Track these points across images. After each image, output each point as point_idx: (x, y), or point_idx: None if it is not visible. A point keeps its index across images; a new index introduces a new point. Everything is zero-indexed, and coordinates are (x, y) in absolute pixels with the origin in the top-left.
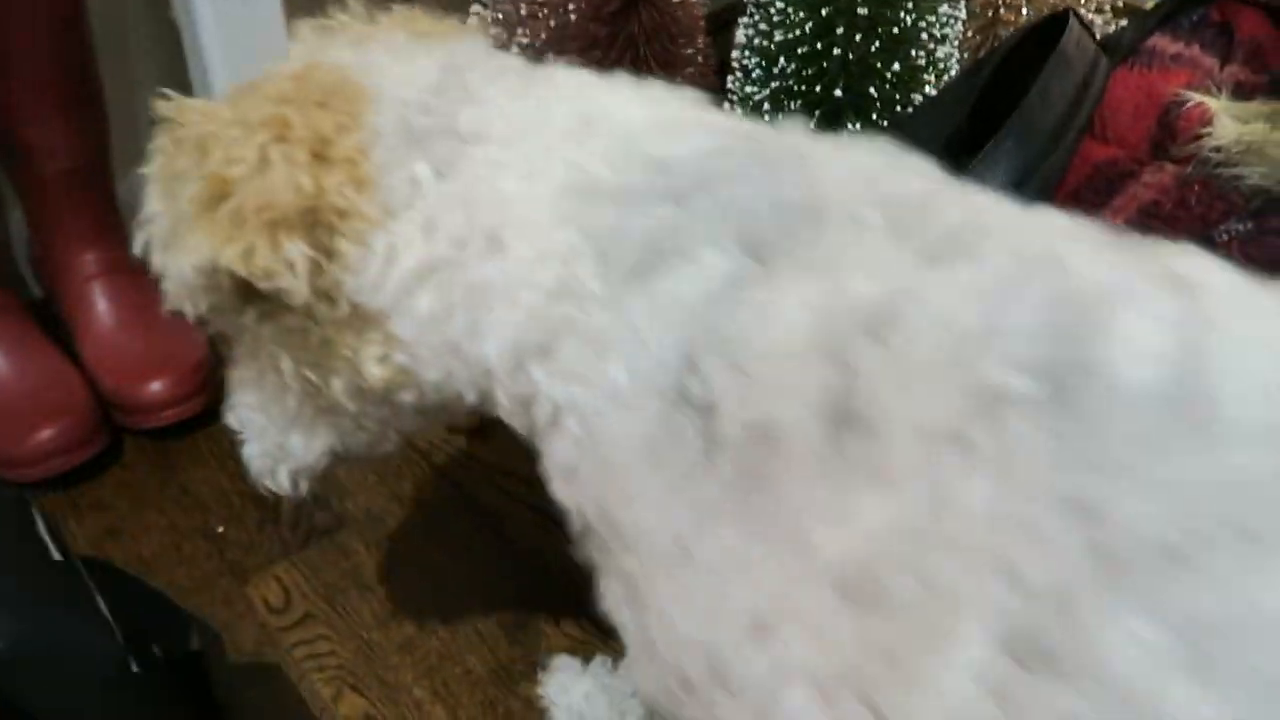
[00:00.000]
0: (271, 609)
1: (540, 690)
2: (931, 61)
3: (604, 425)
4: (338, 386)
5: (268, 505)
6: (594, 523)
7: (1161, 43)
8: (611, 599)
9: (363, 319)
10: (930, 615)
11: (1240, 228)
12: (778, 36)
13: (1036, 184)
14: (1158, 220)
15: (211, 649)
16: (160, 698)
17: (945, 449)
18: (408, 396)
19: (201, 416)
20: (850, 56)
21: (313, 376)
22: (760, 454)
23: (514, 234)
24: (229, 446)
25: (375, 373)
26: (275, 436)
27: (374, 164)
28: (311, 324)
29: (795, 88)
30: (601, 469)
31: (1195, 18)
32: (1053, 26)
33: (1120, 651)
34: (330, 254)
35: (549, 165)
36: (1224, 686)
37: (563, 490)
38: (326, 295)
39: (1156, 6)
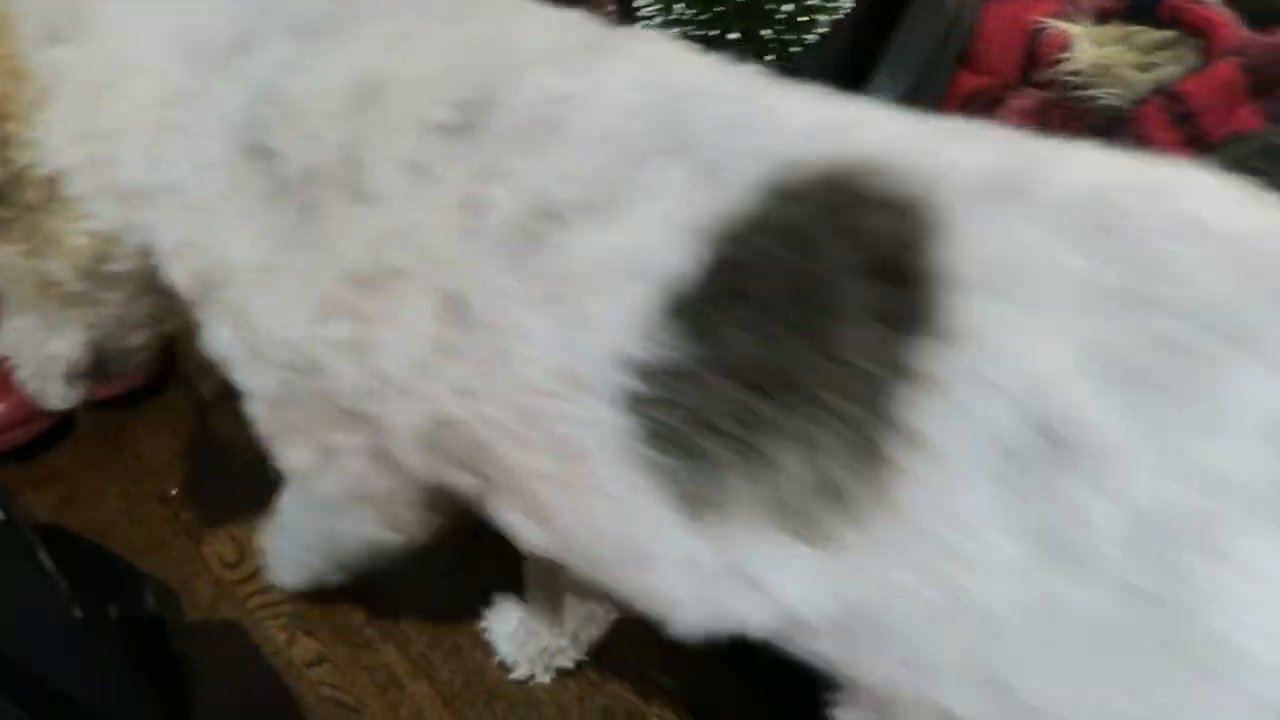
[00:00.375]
0: (226, 564)
1: (482, 623)
2: (823, 4)
3: (202, 188)
4: (57, 269)
5: (221, 466)
6: (199, 279)
7: None
8: (218, 332)
9: (54, 195)
10: (399, 289)
11: None
12: None
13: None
14: None
15: (168, 607)
16: (117, 657)
17: (410, 174)
18: (119, 266)
19: (153, 384)
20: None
21: (34, 264)
22: (311, 189)
23: (134, 74)
24: (182, 412)
25: (78, 243)
26: (35, 349)
27: (23, 55)
28: (13, 212)
29: (692, 31)
30: (202, 226)
31: None
32: None
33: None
34: (7, 142)
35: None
36: None
37: (176, 269)
38: (17, 180)
39: None
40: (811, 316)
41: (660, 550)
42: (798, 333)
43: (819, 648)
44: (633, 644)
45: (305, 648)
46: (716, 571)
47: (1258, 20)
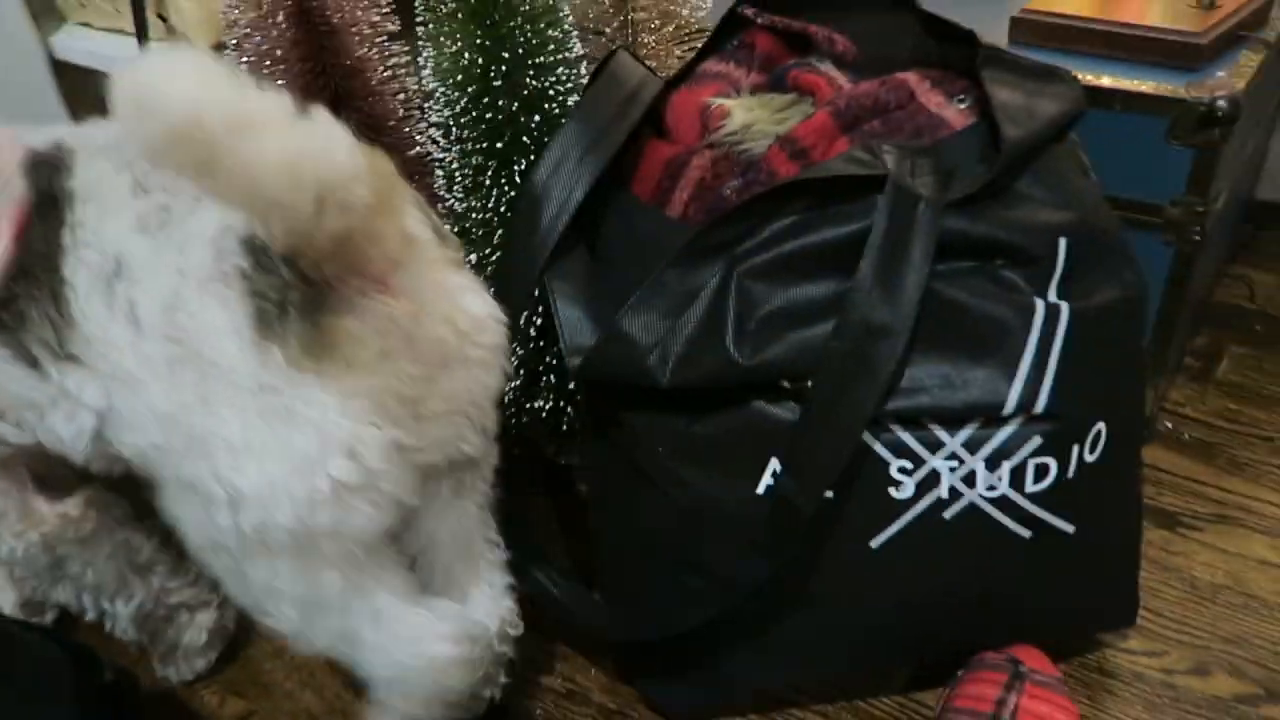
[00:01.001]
0: None
1: None
2: (564, 110)
3: None
4: None
5: None
6: None
7: (710, 65)
8: None
9: None
10: None
11: (736, 183)
12: (446, 78)
13: (590, 159)
14: (704, 189)
15: (124, 680)
16: None
17: None
18: None
19: None
20: (513, 108)
21: None
22: None
23: None
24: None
25: None
26: None
27: None
28: None
29: (469, 125)
30: None
31: (735, 42)
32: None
33: None
34: None
35: None
36: None
37: None
38: None
39: (708, 40)
40: None
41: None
42: None
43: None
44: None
45: (235, 706)
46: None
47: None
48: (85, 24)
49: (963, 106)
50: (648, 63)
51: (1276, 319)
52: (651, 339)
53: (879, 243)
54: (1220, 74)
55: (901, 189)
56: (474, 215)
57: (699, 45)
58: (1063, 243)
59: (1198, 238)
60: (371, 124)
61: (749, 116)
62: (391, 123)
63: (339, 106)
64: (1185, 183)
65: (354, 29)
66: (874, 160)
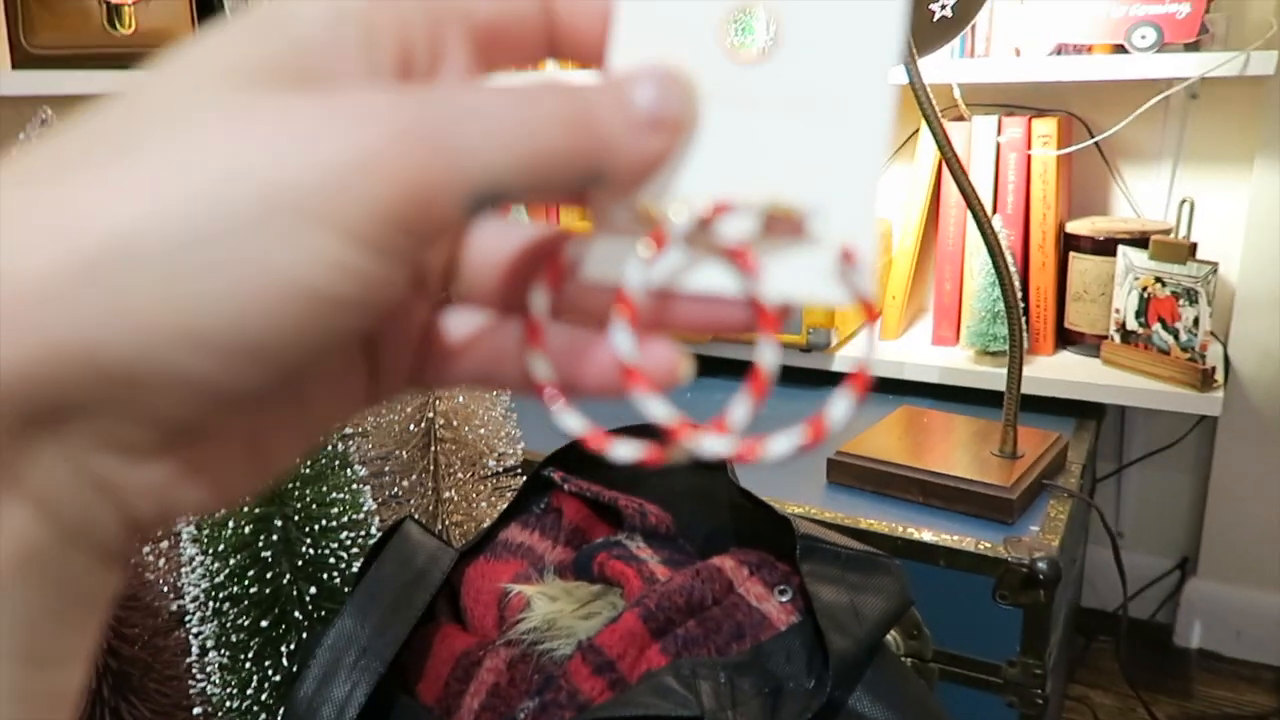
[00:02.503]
0: None
1: None
2: (346, 579)
3: None
4: None
5: None
6: None
7: (511, 532)
8: None
9: None
10: None
11: (531, 704)
12: (207, 545)
13: (367, 663)
14: (498, 699)
15: None
16: None
17: None
18: None
19: None
20: (285, 579)
21: None
22: None
23: None
24: None
25: None
26: None
27: None
28: None
29: (231, 599)
30: None
31: (542, 505)
32: (393, 532)
33: None
34: None
35: None
36: None
37: None
38: None
39: (511, 503)
40: None
41: None
42: None
43: None
44: None
45: None
46: None
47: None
48: None
49: (784, 600)
50: (453, 513)
51: None
52: None
53: None
54: (1033, 528)
55: None
56: (228, 705)
57: (508, 489)
58: None
59: (1040, 701)
60: None
61: (551, 610)
62: (137, 591)
63: None
64: (1019, 641)
65: None
66: (686, 695)
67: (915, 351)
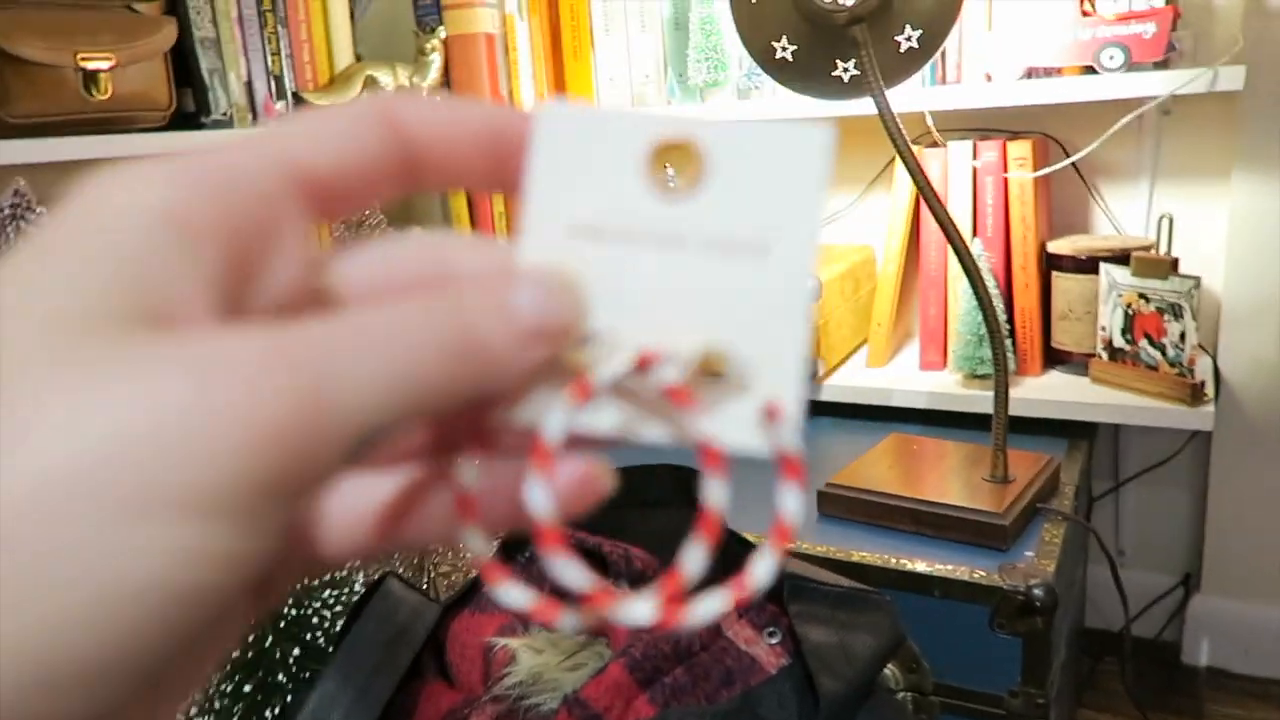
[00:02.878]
0: None
1: None
2: (329, 638)
3: None
4: None
5: None
6: None
7: None
8: None
9: None
10: None
11: None
12: None
13: (355, 717)
14: None
15: None
16: None
17: None
18: None
19: None
20: (266, 642)
21: None
22: None
23: None
24: None
25: None
26: None
27: None
28: None
29: (227, 661)
30: None
31: (527, 554)
32: (375, 590)
33: None
34: None
35: None
36: None
37: None
38: None
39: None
40: None
41: None
42: None
43: None
44: None
45: None
46: None
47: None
48: None
49: (773, 642)
50: (440, 564)
51: None
52: None
53: None
54: (1028, 554)
55: None
56: None
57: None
58: None
59: None
60: None
61: (537, 662)
62: None
63: None
64: (1019, 671)
65: None
66: None
67: (903, 377)
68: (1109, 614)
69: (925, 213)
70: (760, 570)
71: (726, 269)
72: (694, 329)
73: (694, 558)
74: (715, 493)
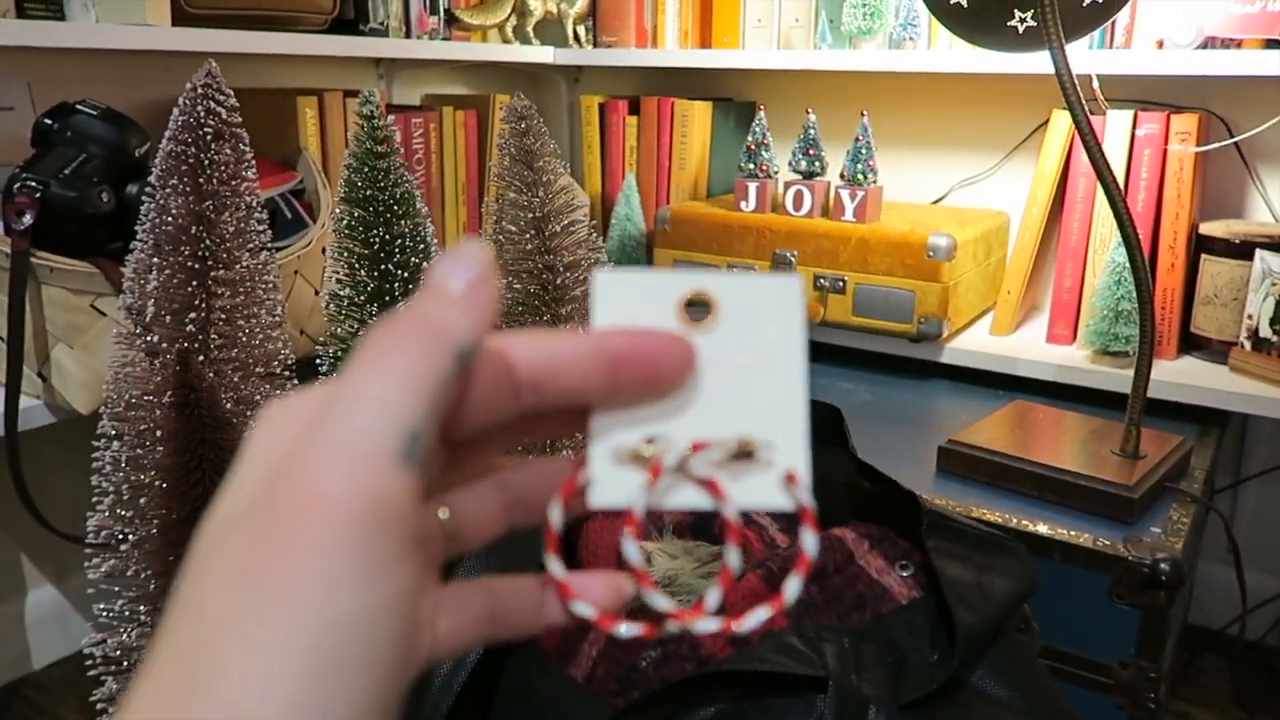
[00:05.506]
0: None
1: None
2: None
3: None
4: None
5: None
6: None
7: None
8: None
9: None
10: None
11: (653, 653)
12: None
13: None
14: (617, 648)
15: None
16: None
17: None
18: None
19: None
20: None
21: None
22: None
23: None
24: None
25: None
26: None
27: None
28: None
29: None
30: None
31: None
32: None
33: None
34: None
35: None
36: None
37: None
38: None
39: None
40: None
41: None
42: None
43: None
44: None
45: None
46: None
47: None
48: None
49: (905, 575)
50: None
51: None
52: None
53: None
54: (1155, 529)
55: (846, 694)
56: None
57: None
58: None
59: (1153, 705)
60: None
61: (672, 567)
62: None
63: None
64: (1134, 643)
65: (248, 414)
66: (811, 655)
67: (1028, 347)
68: (1211, 612)
69: (1071, 182)
70: (790, 591)
71: (744, 379)
72: (727, 425)
73: (793, 586)
74: (809, 542)
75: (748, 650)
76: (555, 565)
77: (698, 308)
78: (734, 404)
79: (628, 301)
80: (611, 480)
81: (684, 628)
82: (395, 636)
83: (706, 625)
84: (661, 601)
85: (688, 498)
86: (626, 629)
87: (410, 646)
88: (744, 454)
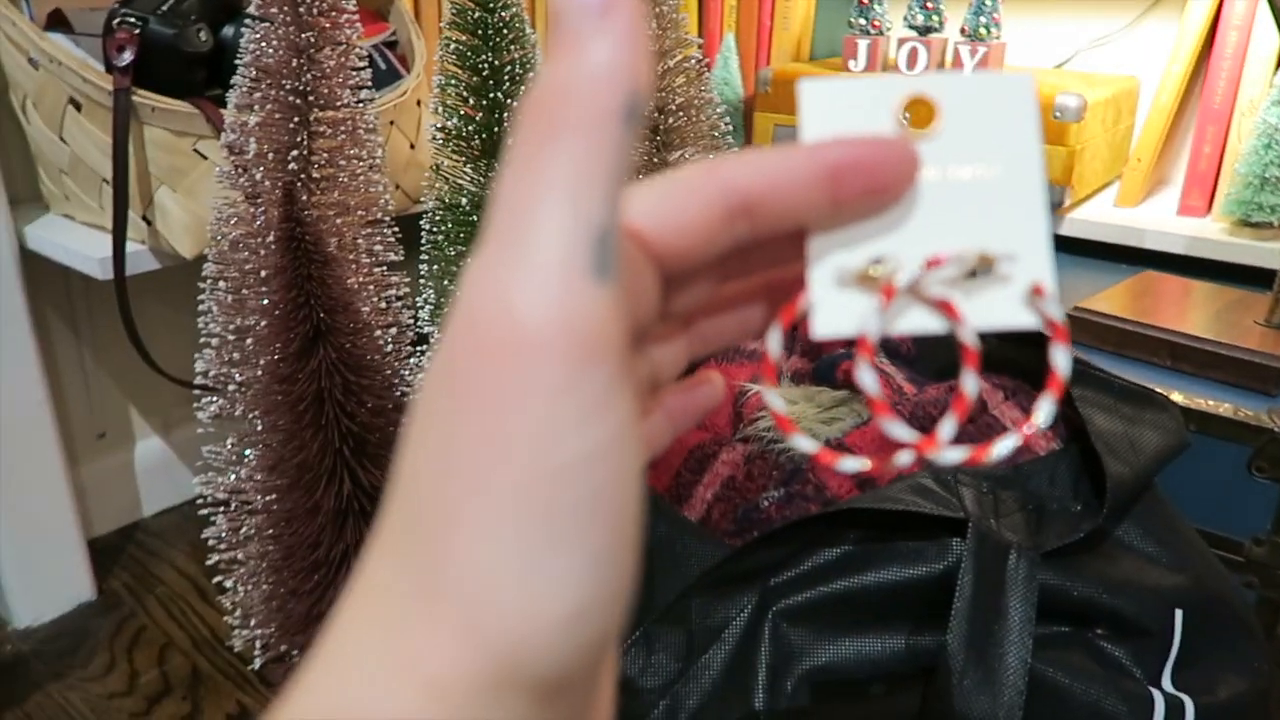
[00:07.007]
0: None
1: None
2: None
3: None
4: None
5: None
6: None
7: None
8: None
9: None
10: None
11: (776, 494)
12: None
13: None
14: (734, 491)
15: None
16: None
17: None
18: None
19: None
20: None
21: None
22: None
23: None
24: None
25: None
26: None
27: None
28: None
29: None
30: None
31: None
32: None
33: None
34: None
35: None
36: None
37: None
38: None
39: None
40: None
41: None
42: None
43: None
44: None
45: None
46: None
47: (943, 373)
48: (68, 215)
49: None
50: None
51: None
52: (657, 682)
53: (966, 609)
54: None
55: (987, 537)
56: None
57: None
58: (1178, 616)
59: None
60: (350, 363)
61: (792, 410)
62: (373, 359)
63: (317, 340)
64: (1270, 519)
65: (351, 257)
66: (948, 497)
67: (1157, 220)
68: None
69: (1221, 36)
70: (1042, 413)
71: (973, 188)
72: (957, 239)
73: (1045, 408)
74: (1061, 359)
75: (881, 490)
76: (776, 401)
77: (914, 115)
78: (963, 215)
79: (837, 111)
80: (836, 306)
81: (925, 458)
82: (615, 479)
83: (952, 455)
84: (901, 431)
85: (916, 321)
86: (853, 463)
87: (629, 483)
88: (982, 269)
